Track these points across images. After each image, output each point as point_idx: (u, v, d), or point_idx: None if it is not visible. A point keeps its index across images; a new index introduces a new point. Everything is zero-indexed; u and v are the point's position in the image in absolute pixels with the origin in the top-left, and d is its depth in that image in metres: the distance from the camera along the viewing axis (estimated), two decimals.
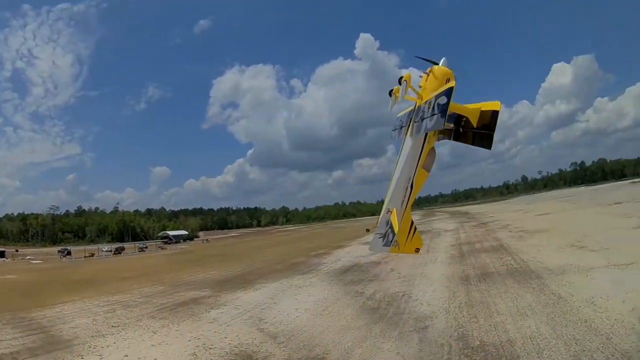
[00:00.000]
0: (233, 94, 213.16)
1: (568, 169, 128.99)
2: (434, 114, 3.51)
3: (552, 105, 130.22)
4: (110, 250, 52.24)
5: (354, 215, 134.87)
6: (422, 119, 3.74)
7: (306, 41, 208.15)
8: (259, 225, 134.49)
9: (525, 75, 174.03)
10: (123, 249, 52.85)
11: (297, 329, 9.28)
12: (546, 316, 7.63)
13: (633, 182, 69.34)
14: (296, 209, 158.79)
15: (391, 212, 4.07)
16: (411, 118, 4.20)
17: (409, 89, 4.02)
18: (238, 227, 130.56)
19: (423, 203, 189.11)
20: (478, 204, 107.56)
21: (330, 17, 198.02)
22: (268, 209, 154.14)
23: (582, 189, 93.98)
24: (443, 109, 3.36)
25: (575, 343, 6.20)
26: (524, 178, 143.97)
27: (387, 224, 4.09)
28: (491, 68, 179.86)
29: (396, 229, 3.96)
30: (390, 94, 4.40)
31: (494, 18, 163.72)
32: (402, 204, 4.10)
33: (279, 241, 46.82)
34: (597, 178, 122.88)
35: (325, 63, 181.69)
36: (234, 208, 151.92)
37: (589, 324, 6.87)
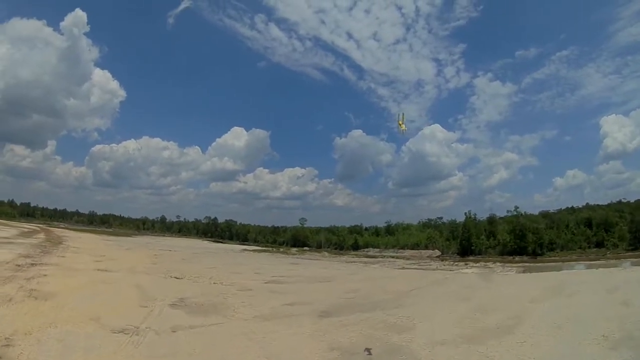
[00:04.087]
0: None
1: (203, 220, 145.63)
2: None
3: (220, 159, 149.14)
4: None
5: None
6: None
7: None
8: None
9: (203, 126, 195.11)
10: None
11: None
12: None
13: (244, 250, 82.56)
14: None
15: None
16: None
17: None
18: None
19: (57, 216, 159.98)
20: (108, 234, 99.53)
21: None
22: None
23: (205, 242, 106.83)
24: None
25: None
26: (163, 218, 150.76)
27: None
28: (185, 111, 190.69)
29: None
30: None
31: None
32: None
33: None
34: (226, 236, 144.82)
35: (26, 17, 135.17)
36: None
37: None
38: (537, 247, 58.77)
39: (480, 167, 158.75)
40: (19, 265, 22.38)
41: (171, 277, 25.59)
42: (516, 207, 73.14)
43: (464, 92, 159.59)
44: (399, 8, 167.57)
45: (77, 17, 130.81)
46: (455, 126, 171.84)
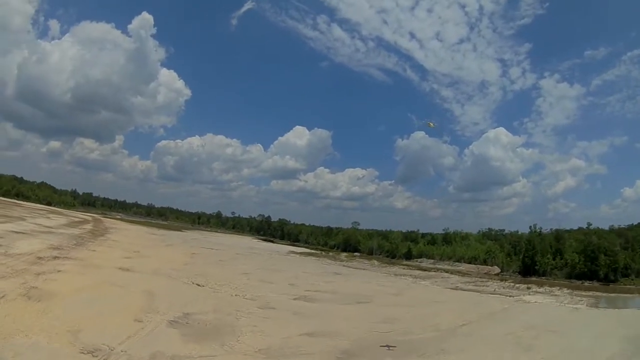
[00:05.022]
0: None
1: (257, 218, 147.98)
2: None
3: (282, 158, 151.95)
4: None
5: None
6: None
7: None
8: None
9: (266, 124, 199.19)
10: None
11: None
12: None
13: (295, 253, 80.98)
14: None
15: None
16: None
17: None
18: None
19: (116, 207, 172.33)
20: (160, 227, 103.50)
21: None
22: None
23: (255, 241, 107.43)
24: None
25: None
26: (219, 214, 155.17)
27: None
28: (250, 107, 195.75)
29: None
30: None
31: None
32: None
33: None
34: (277, 235, 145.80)
35: (95, 21, 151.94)
36: None
37: None
38: (610, 272, 51.72)
39: (545, 174, 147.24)
40: (40, 258, 21.93)
41: (193, 283, 23.91)
42: (589, 224, 65.53)
43: (529, 94, 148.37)
44: (462, 7, 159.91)
45: (144, 20, 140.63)
46: (520, 130, 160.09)
